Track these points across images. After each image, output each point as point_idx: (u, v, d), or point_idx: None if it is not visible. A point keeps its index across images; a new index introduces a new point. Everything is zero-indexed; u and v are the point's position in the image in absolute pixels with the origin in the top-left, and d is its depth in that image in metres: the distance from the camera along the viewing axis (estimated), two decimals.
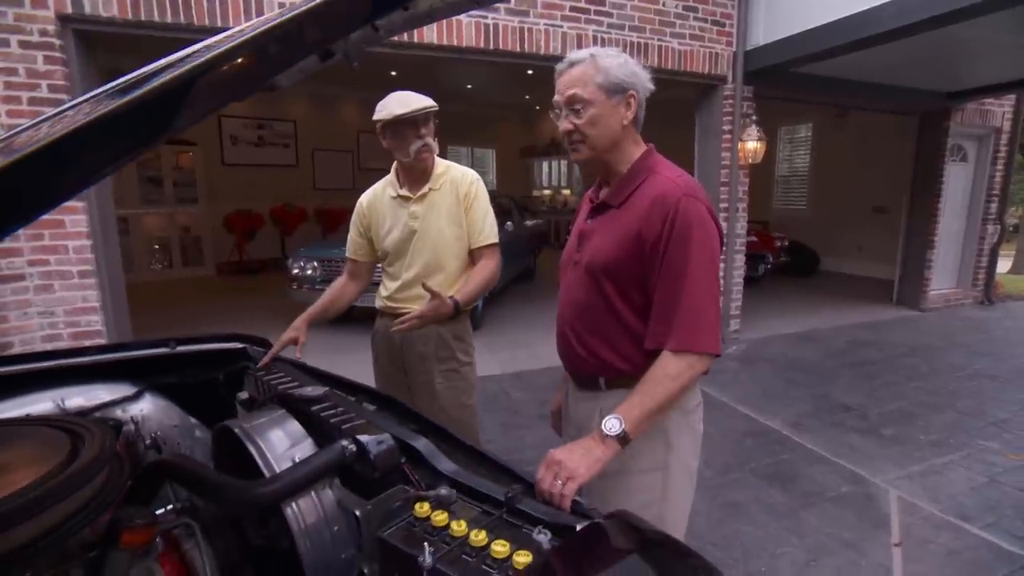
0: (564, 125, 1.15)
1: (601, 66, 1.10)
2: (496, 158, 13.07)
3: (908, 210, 6.65)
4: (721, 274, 5.00)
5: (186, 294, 7.10)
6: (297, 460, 1.04)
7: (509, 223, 6.64)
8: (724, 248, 4.99)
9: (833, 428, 3.30)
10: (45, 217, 3.04)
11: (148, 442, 1.31)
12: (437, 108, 1.73)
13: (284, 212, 9.22)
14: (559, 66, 1.15)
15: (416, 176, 1.80)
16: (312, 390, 1.19)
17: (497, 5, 3.79)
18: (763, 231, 8.03)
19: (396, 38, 3.53)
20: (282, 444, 1.08)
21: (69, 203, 3.08)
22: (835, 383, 4.10)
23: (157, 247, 8.36)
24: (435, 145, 1.75)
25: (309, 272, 5.29)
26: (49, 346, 3.19)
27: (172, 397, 1.62)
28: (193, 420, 1.60)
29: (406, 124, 1.69)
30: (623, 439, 1.01)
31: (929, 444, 3.07)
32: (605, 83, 1.10)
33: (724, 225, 4.96)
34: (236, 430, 1.08)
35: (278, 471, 1.01)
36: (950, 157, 6.34)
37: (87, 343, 3.24)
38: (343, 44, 1.19)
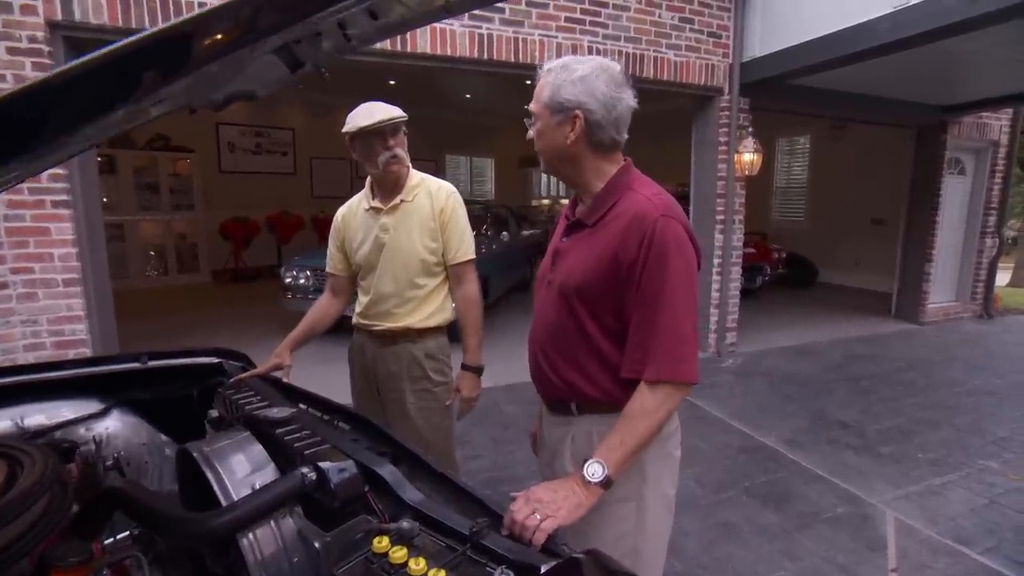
0: (529, 133, 1.15)
1: (552, 81, 1.07)
2: (494, 167, 13.09)
3: (906, 223, 6.63)
4: (716, 287, 4.96)
5: (180, 302, 7.05)
6: (257, 487, 0.99)
7: (505, 233, 6.60)
8: (719, 262, 4.95)
9: (829, 445, 3.24)
10: (30, 225, 3.01)
11: (110, 463, 1.26)
12: (405, 118, 1.68)
13: (281, 220, 9.20)
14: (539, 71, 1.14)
15: (388, 188, 1.75)
16: (278, 411, 1.15)
17: (492, 15, 3.78)
18: (761, 242, 7.99)
19: (388, 47, 3.52)
20: (242, 469, 1.03)
21: (55, 211, 3.04)
22: (831, 398, 4.04)
23: (153, 254, 8.32)
24: (404, 156, 1.70)
25: (302, 281, 5.24)
26: (32, 356, 3.13)
27: (144, 413, 1.58)
28: (164, 437, 1.55)
29: (373, 136, 1.65)
30: (606, 484, 0.97)
31: (927, 463, 3.01)
32: (549, 101, 1.07)
33: (720, 237, 4.93)
34: (195, 454, 1.03)
35: (236, 498, 0.96)
36: (948, 170, 6.33)
37: (71, 352, 3.19)
38: (312, 53, 1.15)
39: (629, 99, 1.08)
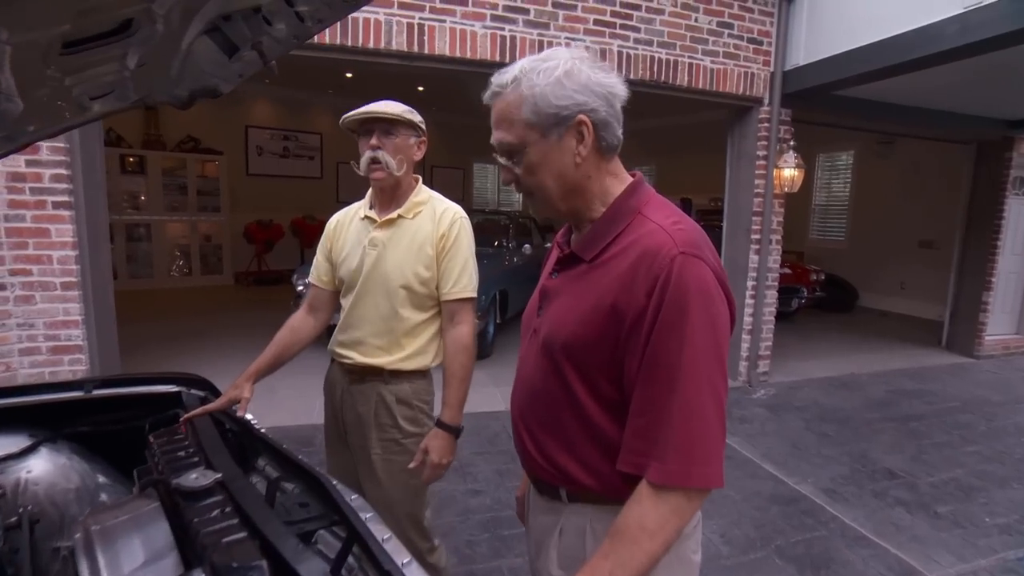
0: (503, 176, 0.88)
1: (526, 94, 0.78)
2: None
3: (961, 247, 6.10)
4: (750, 311, 4.60)
5: (200, 303, 7.06)
6: None
7: (527, 245, 6.37)
8: (753, 284, 4.59)
9: (875, 499, 2.87)
10: (30, 226, 2.93)
11: (13, 520, 1.06)
12: (407, 120, 1.45)
13: (304, 224, 9.19)
14: (485, 95, 0.85)
15: (385, 197, 1.53)
16: (197, 477, 0.92)
17: (515, 16, 3.58)
18: (797, 263, 7.53)
19: (405, 48, 3.35)
20: (132, 560, 0.80)
21: (56, 212, 2.96)
22: (875, 441, 3.64)
23: (178, 254, 8.41)
24: (392, 163, 1.45)
25: None
26: (27, 359, 3.04)
27: (91, 449, 1.39)
28: (102, 479, 1.35)
29: (360, 131, 1.45)
30: None
31: (997, 530, 2.61)
32: (535, 118, 0.79)
33: (755, 257, 4.57)
34: (77, 535, 0.82)
35: None
36: (1012, 190, 5.80)
37: (66, 358, 3.09)
38: (247, 35, 0.94)
39: (619, 83, 0.82)
